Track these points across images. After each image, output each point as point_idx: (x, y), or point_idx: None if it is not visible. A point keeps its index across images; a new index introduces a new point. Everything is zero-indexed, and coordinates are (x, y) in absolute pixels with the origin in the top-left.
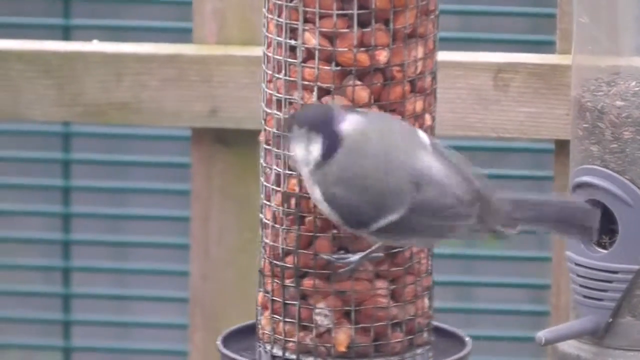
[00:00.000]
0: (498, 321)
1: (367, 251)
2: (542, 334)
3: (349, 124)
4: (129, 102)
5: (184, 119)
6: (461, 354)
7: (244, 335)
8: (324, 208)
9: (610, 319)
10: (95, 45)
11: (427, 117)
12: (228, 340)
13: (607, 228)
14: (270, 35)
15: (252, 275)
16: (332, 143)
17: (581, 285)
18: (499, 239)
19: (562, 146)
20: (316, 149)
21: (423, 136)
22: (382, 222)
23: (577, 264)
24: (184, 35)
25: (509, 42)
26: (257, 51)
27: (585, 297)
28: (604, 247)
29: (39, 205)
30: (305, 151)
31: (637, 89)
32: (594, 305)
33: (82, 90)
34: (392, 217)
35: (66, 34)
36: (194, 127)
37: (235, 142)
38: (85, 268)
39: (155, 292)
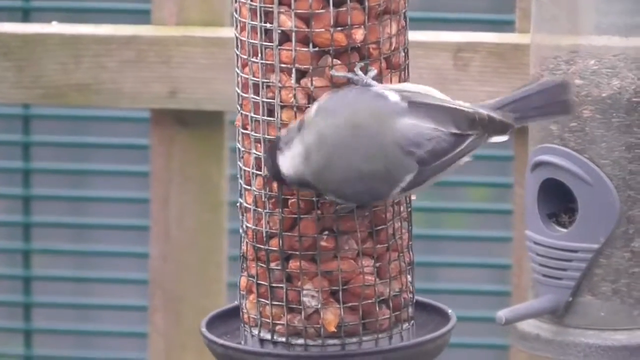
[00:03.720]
0: (461, 301)
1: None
2: (502, 314)
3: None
4: (88, 83)
5: (144, 100)
6: (446, 328)
7: (225, 319)
8: (341, 201)
9: (570, 298)
10: (54, 27)
11: None
12: (210, 324)
13: (566, 207)
14: (243, 20)
15: (212, 257)
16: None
17: (541, 265)
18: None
19: (522, 126)
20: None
21: (394, 97)
22: (397, 189)
23: (536, 243)
24: (144, 16)
25: (470, 21)
26: (217, 32)
27: (544, 276)
28: (564, 226)
29: None
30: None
31: (596, 67)
32: (554, 285)
33: (41, 72)
34: (406, 181)
35: (25, 16)
36: (154, 108)
37: (194, 123)
38: (46, 250)
39: (116, 274)
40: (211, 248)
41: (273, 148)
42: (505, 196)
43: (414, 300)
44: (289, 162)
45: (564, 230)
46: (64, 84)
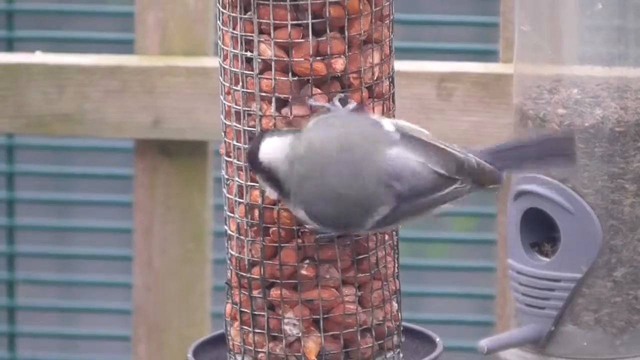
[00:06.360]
0: (444, 331)
1: None
2: (484, 343)
3: (281, 148)
4: (72, 113)
5: (127, 130)
6: (432, 355)
7: (213, 346)
8: (313, 224)
9: (553, 328)
10: (38, 57)
11: None
12: (197, 351)
13: (549, 236)
14: (225, 48)
15: (195, 286)
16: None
17: (523, 294)
18: (494, 191)
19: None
20: (270, 190)
21: (388, 126)
22: (372, 221)
23: (519, 272)
24: (127, 46)
25: (454, 51)
26: (200, 62)
27: (527, 305)
28: (546, 256)
29: None
30: (268, 190)
31: (579, 96)
32: (536, 314)
33: (25, 101)
34: (381, 214)
35: (9, 45)
36: (137, 138)
37: (178, 153)
38: (30, 280)
39: (100, 303)
40: (195, 278)
41: (262, 133)
42: (489, 226)
43: (401, 329)
44: (273, 146)
45: (547, 259)
46: (48, 114)
